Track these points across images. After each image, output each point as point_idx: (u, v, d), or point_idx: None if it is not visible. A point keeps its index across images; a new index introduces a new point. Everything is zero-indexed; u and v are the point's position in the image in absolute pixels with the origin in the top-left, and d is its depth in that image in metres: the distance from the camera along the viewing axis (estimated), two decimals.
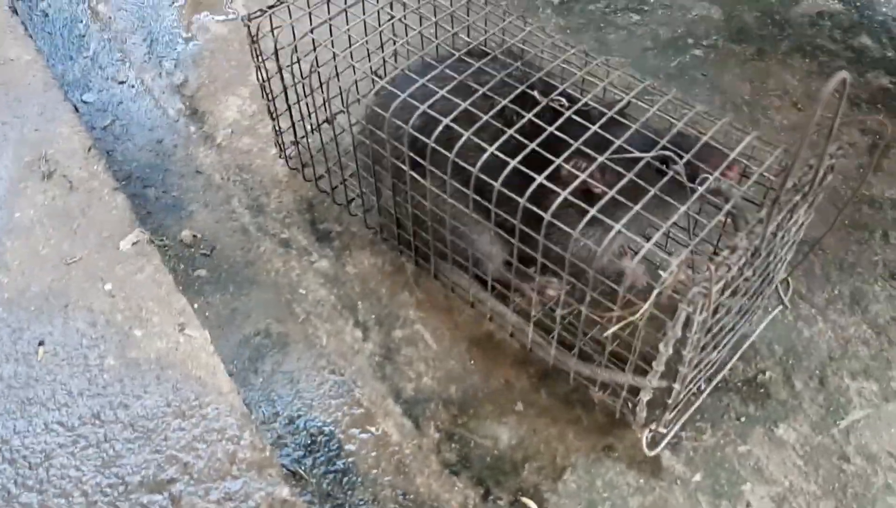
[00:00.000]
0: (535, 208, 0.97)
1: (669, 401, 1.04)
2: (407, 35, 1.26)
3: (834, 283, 1.38)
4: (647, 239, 1.03)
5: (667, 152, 1.03)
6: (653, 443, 1.13)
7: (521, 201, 0.98)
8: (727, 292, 0.95)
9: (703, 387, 1.20)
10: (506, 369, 1.24)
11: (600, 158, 1.00)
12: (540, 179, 0.98)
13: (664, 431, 1.12)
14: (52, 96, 1.42)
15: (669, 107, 1.13)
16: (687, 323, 0.90)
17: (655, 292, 0.90)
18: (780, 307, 1.29)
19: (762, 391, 1.24)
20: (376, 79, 1.18)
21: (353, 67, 1.17)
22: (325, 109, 1.20)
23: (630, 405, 1.08)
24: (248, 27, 1.25)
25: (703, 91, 1.69)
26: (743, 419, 1.21)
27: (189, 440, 1.08)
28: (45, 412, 1.10)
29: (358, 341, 1.26)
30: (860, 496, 1.14)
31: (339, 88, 1.16)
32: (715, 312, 0.98)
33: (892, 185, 1.52)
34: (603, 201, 0.96)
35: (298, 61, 1.21)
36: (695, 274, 0.89)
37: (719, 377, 1.22)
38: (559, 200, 0.96)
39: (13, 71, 1.45)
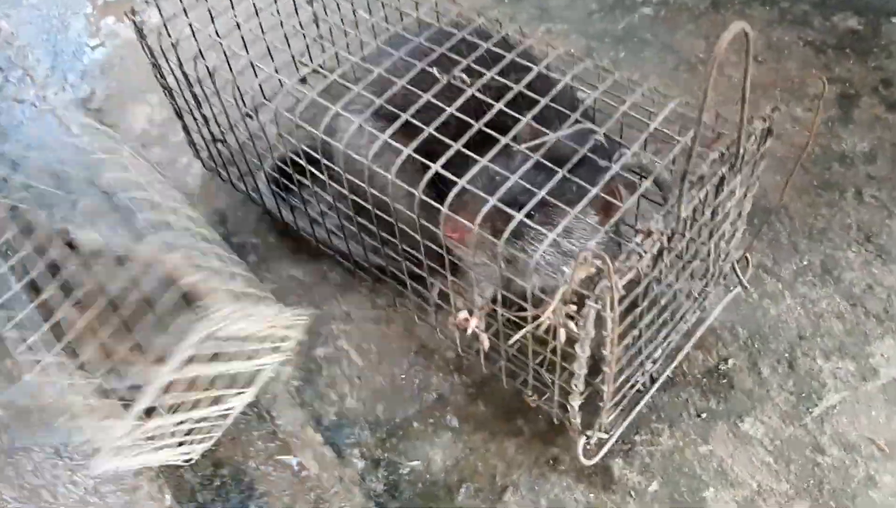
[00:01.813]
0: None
1: (603, 403, 0.92)
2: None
3: (802, 252, 1.25)
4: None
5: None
6: (592, 451, 1.01)
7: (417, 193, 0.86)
8: (646, 282, 0.83)
9: (650, 383, 1.08)
10: (439, 380, 1.12)
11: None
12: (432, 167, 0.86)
13: (605, 436, 1.00)
14: None
15: (592, 76, 1.00)
16: (599, 321, 0.78)
17: (562, 289, 0.78)
18: (738, 289, 1.16)
19: (725, 381, 1.12)
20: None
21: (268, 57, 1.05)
22: (239, 106, 1.07)
23: (565, 409, 0.96)
24: (134, 21, 1.13)
25: (654, 53, 1.55)
26: (704, 415, 1.09)
27: (81, 495, 0.98)
28: None
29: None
30: (838, 491, 1.01)
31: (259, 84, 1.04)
32: (634, 305, 0.86)
33: (863, 137, 1.38)
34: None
35: (200, 54, 1.10)
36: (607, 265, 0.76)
37: (668, 370, 1.09)
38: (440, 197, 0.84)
39: None
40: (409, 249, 0.99)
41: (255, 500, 1.01)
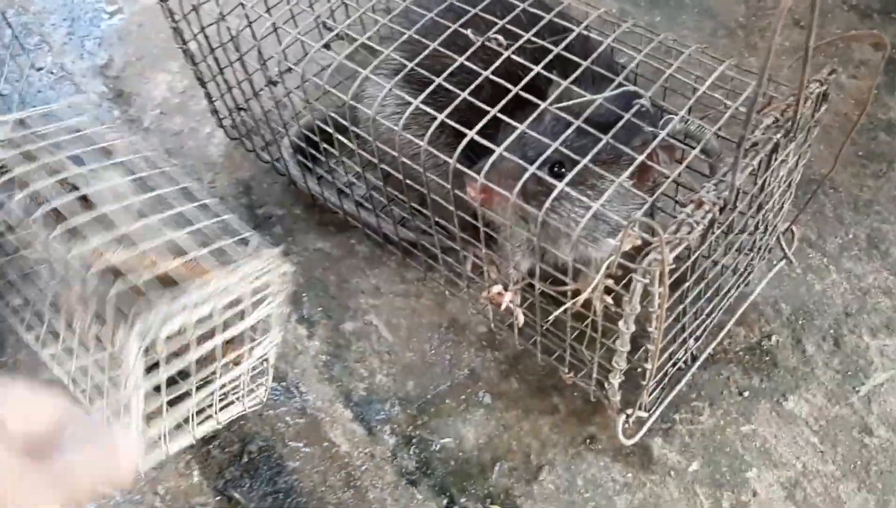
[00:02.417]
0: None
1: (645, 382, 0.88)
2: None
3: (848, 225, 1.20)
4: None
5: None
6: (631, 430, 0.97)
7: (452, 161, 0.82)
8: (696, 255, 0.79)
9: (691, 360, 1.04)
10: (470, 356, 1.09)
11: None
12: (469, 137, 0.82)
13: (645, 415, 0.96)
14: None
15: (633, 38, 0.95)
16: (646, 296, 0.74)
17: (607, 261, 0.74)
18: (782, 263, 1.11)
19: (768, 358, 1.08)
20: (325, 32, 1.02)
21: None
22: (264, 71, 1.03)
23: (604, 387, 0.92)
24: None
25: (691, 17, 1.49)
26: (746, 393, 1.05)
27: None
28: None
29: (302, 339, 1.12)
30: (886, 473, 0.98)
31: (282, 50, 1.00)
32: (680, 280, 0.82)
33: None
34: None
35: (222, 17, 1.06)
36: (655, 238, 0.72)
37: (714, 344, 1.05)
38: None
39: None
40: (440, 220, 0.95)
41: (284, 476, 0.99)
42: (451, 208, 0.88)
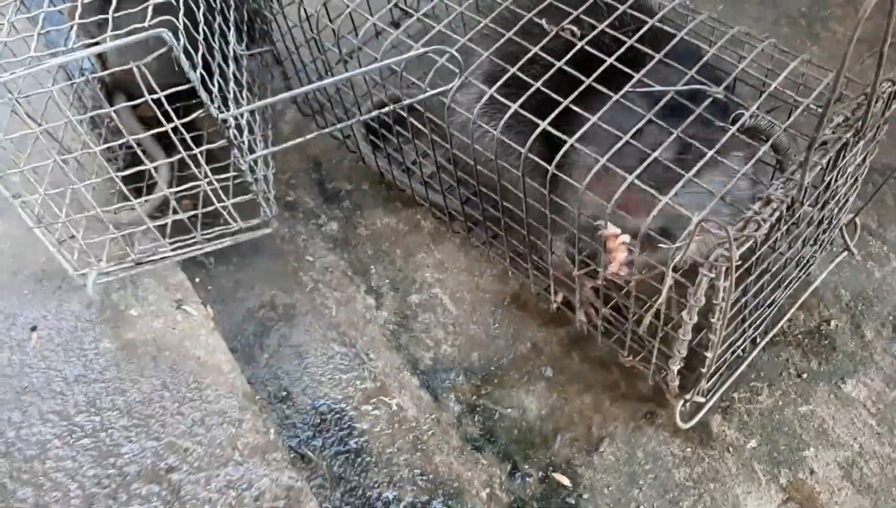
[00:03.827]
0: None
1: (704, 370, 0.91)
2: None
3: None
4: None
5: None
6: (690, 415, 1.00)
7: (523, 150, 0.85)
8: (762, 250, 0.81)
9: (754, 342, 1.06)
10: (533, 331, 1.12)
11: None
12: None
13: (702, 400, 0.99)
14: None
15: (708, 29, 0.97)
16: (712, 289, 0.76)
17: (673, 255, 0.76)
18: (844, 253, 1.12)
19: (826, 342, 1.09)
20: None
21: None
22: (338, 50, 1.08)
23: (663, 371, 0.95)
24: None
25: (753, 6, 1.50)
26: (805, 375, 1.07)
27: (188, 426, 1.01)
28: (41, 401, 1.04)
29: (370, 308, 1.16)
30: None
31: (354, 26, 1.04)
32: (747, 274, 0.84)
33: None
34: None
35: None
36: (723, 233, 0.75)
37: (774, 331, 1.07)
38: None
39: None
40: (514, 208, 0.98)
41: (354, 438, 1.03)
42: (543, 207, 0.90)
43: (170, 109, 0.94)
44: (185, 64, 0.90)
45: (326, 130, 1.08)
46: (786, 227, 0.83)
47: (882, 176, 1.22)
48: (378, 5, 1.13)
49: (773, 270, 0.92)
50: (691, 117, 0.83)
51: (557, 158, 0.84)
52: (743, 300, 0.90)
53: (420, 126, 1.01)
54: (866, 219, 1.20)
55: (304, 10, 1.11)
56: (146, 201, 1.18)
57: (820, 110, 0.86)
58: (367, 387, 1.07)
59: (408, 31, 1.01)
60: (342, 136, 1.28)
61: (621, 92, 0.86)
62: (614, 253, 0.83)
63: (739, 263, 0.76)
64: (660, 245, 0.78)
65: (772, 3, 1.49)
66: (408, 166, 1.20)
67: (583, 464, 1.01)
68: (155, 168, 1.07)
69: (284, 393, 1.07)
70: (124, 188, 1.11)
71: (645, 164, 0.79)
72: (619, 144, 0.81)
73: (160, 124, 0.98)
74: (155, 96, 0.92)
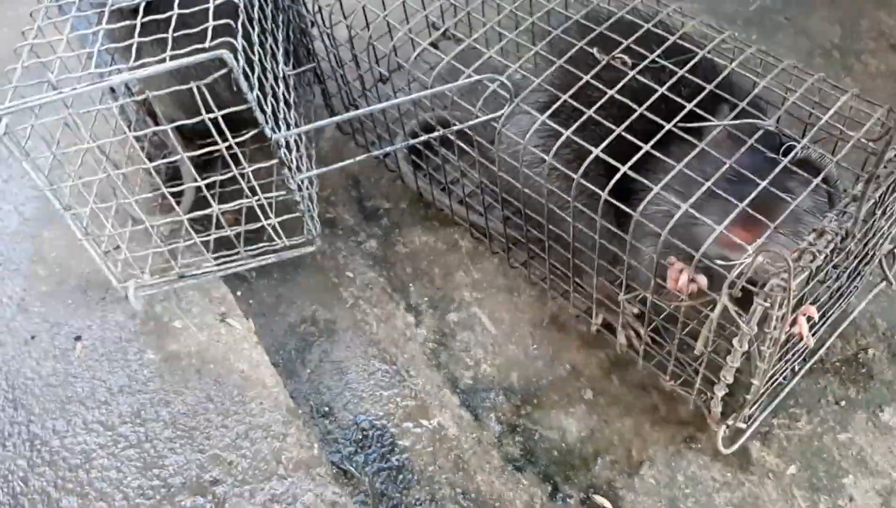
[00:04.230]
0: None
1: (749, 397, 0.92)
2: None
3: None
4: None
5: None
6: (730, 440, 1.01)
7: (603, 194, 0.87)
8: (813, 282, 0.82)
9: (794, 371, 1.06)
10: (572, 353, 1.13)
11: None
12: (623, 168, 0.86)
13: (744, 426, 0.99)
14: None
15: (753, 60, 0.99)
16: (764, 318, 0.77)
17: (728, 283, 0.77)
18: (884, 284, 1.13)
19: (864, 371, 1.10)
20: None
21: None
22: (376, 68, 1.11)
23: (705, 396, 0.96)
24: None
25: (788, 37, 1.52)
26: (843, 403, 1.07)
27: (233, 439, 1.02)
28: (85, 410, 1.05)
29: (410, 326, 1.17)
30: None
31: (394, 46, 1.06)
32: (799, 303, 0.85)
33: None
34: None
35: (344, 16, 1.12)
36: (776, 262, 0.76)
37: (813, 359, 1.08)
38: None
39: None
40: (559, 232, 0.99)
41: (395, 455, 1.04)
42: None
43: (224, 128, 0.96)
44: (244, 85, 0.92)
45: (375, 152, 1.10)
46: (837, 259, 0.84)
47: None
48: (418, 26, 1.15)
49: (821, 300, 0.93)
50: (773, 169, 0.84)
51: (610, 185, 0.85)
52: (791, 330, 0.90)
53: (468, 148, 1.03)
54: None
55: (350, 29, 1.14)
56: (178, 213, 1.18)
57: (869, 144, 0.89)
58: (409, 405, 1.08)
59: (447, 52, 1.03)
60: (382, 154, 1.30)
61: (704, 141, 0.86)
62: (674, 282, 0.85)
63: (794, 293, 0.77)
64: (720, 271, 0.79)
65: (805, 35, 1.51)
66: (447, 186, 1.22)
67: (623, 487, 1.01)
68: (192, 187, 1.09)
69: (326, 408, 1.08)
70: (171, 198, 1.12)
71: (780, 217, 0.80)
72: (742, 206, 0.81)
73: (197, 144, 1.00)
74: (212, 116, 0.94)
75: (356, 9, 1.13)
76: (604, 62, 0.96)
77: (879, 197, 0.84)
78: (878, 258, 1.09)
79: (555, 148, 0.90)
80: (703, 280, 0.84)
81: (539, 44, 1.02)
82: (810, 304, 0.91)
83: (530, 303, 1.19)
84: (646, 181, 0.84)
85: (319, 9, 1.17)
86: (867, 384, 1.09)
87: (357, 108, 1.29)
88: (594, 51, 0.98)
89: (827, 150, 0.89)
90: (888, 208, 0.90)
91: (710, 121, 0.88)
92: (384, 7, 1.20)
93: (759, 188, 0.80)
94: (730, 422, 0.99)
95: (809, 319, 0.89)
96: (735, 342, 0.83)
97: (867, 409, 1.07)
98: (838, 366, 1.11)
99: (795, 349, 0.98)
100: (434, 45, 1.30)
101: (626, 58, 0.96)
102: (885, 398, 1.08)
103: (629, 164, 0.85)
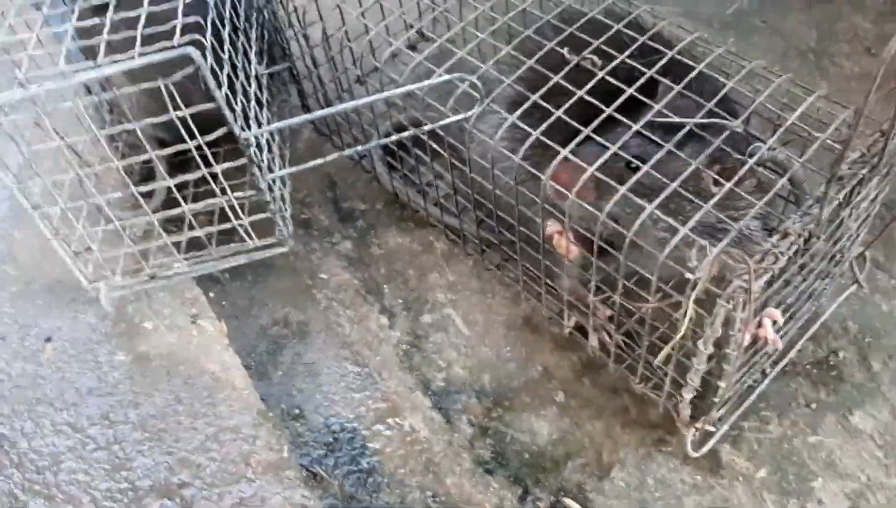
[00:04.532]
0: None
1: (716, 399, 0.92)
2: None
3: None
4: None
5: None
6: (700, 443, 1.01)
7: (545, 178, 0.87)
8: (777, 284, 0.82)
9: (764, 373, 1.07)
10: (545, 356, 1.13)
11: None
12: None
13: (713, 429, 0.99)
14: None
15: (723, 62, 0.99)
16: (727, 321, 0.77)
17: (692, 286, 0.78)
18: (855, 287, 1.14)
19: (835, 373, 1.11)
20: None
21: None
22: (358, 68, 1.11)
23: (675, 399, 0.96)
24: None
25: (764, 39, 1.53)
26: (813, 405, 1.08)
27: (202, 441, 1.01)
28: (54, 412, 1.04)
29: (384, 328, 1.17)
30: None
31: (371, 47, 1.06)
32: (764, 305, 0.85)
33: None
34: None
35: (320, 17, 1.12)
36: (739, 264, 0.76)
37: (784, 362, 1.08)
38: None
39: None
40: (529, 233, 0.99)
41: (366, 457, 1.03)
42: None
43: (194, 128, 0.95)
44: (212, 82, 0.91)
45: (346, 151, 1.10)
46: (801, 260, 0.85)
47: (889, 210, 1.24)
48: (395, 27, 1.15)
49: (787, 303, 0.93)
50: (711, 148, 0.85)
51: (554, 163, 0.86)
52: (756, 332, 0.91)
53: (440, 150, 1.03)
54: (874, 253, 1.21)
55: (325, 31, 1.13)
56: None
57: (835, 146, 0.89)
58: (380, 407, 1.08)
59: (425, 53, 1.02)
60: (357, 156, 1.30)
61: (641, 122, 0.88)
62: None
63: (756, 295, 0.77)
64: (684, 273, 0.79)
65: (781, 37, 1.52)
66: (422, 188, 1.22)
67: (593, 489, 1.01)
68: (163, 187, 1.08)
69: (297, 411, 1.07)
70: (140, 198, 1.11)
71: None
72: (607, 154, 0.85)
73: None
74: (180, 114, 0.93)
75: (332, 8, 1.12)
76: (573, 63, 0.96)
77: (844, 198, 0.84)
78: (847, 260, 1.09)
79: (522, 150, 0.90)
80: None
81: (510, 43, 1.02)
82: (777, 307, 0.92)
83: (504, 305, 1.19)
84: (605, 178, 0.84)
85: (294, 8, 1.17)
86: (838, 387, 1.09)
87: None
88: (564, 51, 0.97)
89: (798, 152, 0.89)
90: (854, 210, 0.90)
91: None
92: (360, 6, 1.20)
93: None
94: (699, 425, 0.99)
95: (775, 322, 0.89)
96: (700, 344, 0.83)
97: (837, 412, 1.07)
98: (809, 369, 1.11)
99: (763, 351, 0.98)
100: (413, 46, 1.30)
101: (595, 58, 0.96)
102: (855, 401, 1.08)
103: (568, 148, 0.86)
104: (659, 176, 0.81)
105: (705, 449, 1.02)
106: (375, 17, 1.14)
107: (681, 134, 0.86)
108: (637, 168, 0.84)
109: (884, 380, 1.10)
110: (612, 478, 1.02)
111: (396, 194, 1.27)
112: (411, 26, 1.17)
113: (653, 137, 0.86)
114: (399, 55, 1.08)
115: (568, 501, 1.01)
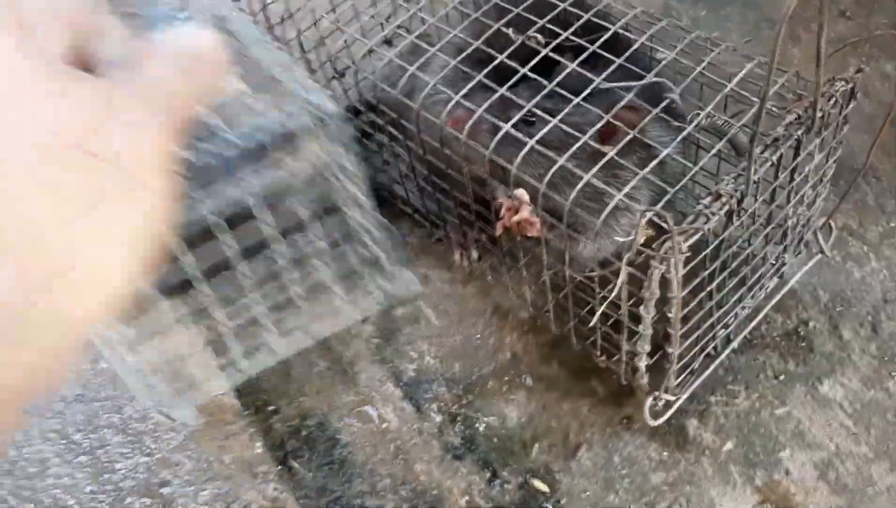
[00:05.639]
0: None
1: (668, 366, 0.93)
2: None
3: (890, 214, 1.21)
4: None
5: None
6: (660, 412, 1.02)
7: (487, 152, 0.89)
8: (715, 243, 0.83)
9: (729, 339, 1.07)
10: (513, 341, 1.15)
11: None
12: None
13: (672, 398, 1.00)
14: None
15: (668, 35, 1.00)
16: (665, 282, 0.78)
17: (628, 249, 0.79)
18: (819, 256, 1.13)
19: (804, 344, 1.11)
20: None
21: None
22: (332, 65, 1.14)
23: (632, 370, 0.97)
24: None
25: (736, 9, 1.51)
26: (782, 377, 1.08)
27: (180, 441, 1.05)
28: (42, 420, 1.09)
29: (356, 323, 1.19)
30: None
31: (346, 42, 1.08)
32: (703, 268, 0.86)
33: None
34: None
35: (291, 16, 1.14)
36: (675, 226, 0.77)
37: (744, 333, 1.09)
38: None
39: None
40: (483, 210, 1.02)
41: (338, 449, 1.07)
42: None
43: None
44: None
45: None
46: (740, 221, 0.85)
47: (861, 177, 1.23)
48: (370, 24, 1.17)
49: (735, 265, 0.93)
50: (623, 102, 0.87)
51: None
52: (703, 295, 0.91)
53: (394, 130, 1.05)
54: (847, 220, 1.21)
55: (299, 29, 1.16)
56: None
57: (779, 111, 0.89)
58: (352, 399, 1.11)
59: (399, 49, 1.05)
60: None
61: (554, 82, 0.90)
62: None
63: (689, 254, 0.78)
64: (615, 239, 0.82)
65: (754, 7, 1.50)
66: (393, 177, 1.23)
67: (560, 470, 1.03)
68: None
69: (271, 407, 1.11)
70: None
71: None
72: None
73: None
74: None
75: (303, 7, 1.15)
76: (518, 41, 0.97)
77: (778, 160, 0.84)
78: (811, 229, 1.09)
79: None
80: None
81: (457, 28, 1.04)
82: (731, 275, 0.92)
83: (474, 294, 1.21)
84: (496, 120, 0.88)
85: (264, 6, 1.19)
86: (807, 358, 1.09)
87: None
88: (509, 31, 0.99)
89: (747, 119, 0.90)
90: (799, 173, 0.90)
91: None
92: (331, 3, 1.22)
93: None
94: (656, 394, 1.00)
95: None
96: (642, 309, 0.84)
97: (806, 382, 1.07)
98: (778, 340, 1.11)
99: (719, 318, 0.98)
100: (388, 42, 1.32)
101: (539, 37, 0.98)
102: (824, 371, 1.08)
103: (486, 104, 0.90)
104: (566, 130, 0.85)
105: (665, 418, 1.02)
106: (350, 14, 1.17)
107: (588, 91, 0.88)
108: (534, 122, 0.88)
109: (854, 348, 1.09)
110: (578, 458, 1.04)
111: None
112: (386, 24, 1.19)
113: (564, 94, 0.88)
114: (375, 53, 1.10)
115: (536, 482, 1.03)
